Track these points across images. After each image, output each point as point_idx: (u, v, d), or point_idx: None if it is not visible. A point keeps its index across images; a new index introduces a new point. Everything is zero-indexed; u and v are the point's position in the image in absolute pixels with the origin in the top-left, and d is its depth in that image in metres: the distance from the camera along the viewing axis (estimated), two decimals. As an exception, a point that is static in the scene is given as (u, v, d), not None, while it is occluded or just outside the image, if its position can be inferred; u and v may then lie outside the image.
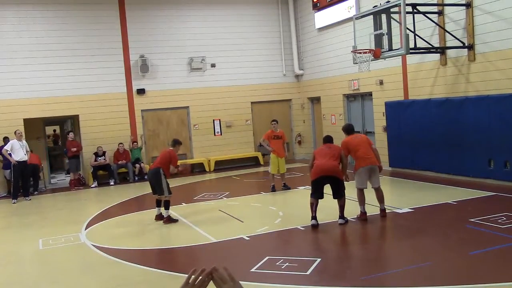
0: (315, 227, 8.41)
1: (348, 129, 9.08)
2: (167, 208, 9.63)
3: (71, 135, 15.88)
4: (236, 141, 17.91)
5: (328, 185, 8.51)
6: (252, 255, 7.22)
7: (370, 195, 8.90)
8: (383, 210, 8.83)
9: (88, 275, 7.02)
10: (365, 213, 8.73)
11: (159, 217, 9.82)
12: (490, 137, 10.98)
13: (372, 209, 9.02)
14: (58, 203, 13.33)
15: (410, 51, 11.30)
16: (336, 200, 8.61)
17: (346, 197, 8.57)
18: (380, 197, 8.81)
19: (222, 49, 17.59)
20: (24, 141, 13.81)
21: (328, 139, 8.96)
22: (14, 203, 13.28)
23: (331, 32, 16.62)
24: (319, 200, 8.51)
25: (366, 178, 8.69)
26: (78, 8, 15.92)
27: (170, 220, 9.60)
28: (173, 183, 14.93)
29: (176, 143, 10.08)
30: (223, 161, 17.57)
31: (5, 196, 14.60)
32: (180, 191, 13.73)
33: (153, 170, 9.83)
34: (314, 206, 8.50)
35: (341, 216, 8.61)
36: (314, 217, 8.48)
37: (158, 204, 9.86)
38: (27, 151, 13.69)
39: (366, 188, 8.72)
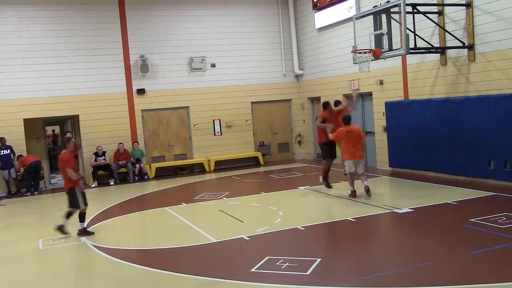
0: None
1: (346, 120, 10.62)
2: (82, 221, 9.17)
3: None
4: (236, 141, 17.92)
5: (325, 148, 11.29)
6: (252, 255, 7.22)
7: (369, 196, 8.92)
8: (366, 186, 10.30)
9: (88, 275, 7.02)
10: (355, 191, 10.50)
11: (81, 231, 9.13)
12: (490, 137, 10.98)
13: (373, 209, 9.05)
14: (58, 203, 13.26)
15: (410, 51, 11.30)
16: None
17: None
18: (364, 178, 10.47)
19: (222, 49, 17.61)
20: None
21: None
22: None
23: (331, 32, 16.63)
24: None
25: (353, 166, 10.45)
26: (78, 8, 15.93)
27: (85, 232, 9.08)
28: (174, 182, 15.05)
29: (67, 142, 9.41)
30: (223, 161, 17.58)
31: (5, 196, 14.61)
32: (180, 191, 13.76)
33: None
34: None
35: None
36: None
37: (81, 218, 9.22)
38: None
39: (354, 170, 10.43)
